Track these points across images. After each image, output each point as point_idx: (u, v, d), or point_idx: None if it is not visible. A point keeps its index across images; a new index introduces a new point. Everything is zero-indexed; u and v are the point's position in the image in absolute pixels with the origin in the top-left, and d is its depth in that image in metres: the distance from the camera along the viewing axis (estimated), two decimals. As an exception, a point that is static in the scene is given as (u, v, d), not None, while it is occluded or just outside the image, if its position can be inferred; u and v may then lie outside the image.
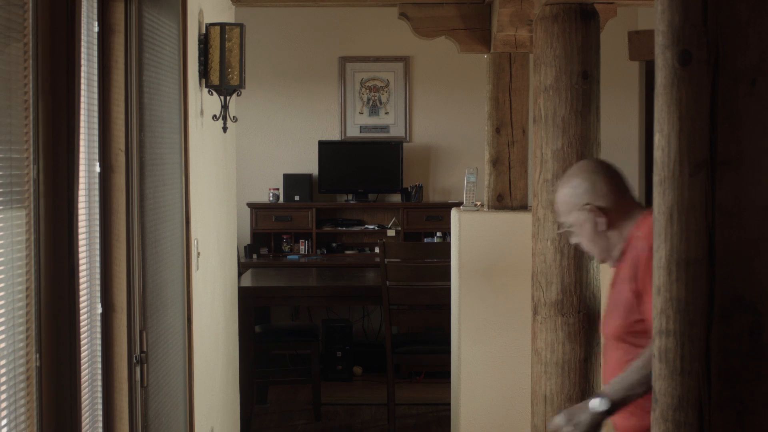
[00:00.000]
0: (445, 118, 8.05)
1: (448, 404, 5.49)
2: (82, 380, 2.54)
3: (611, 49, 7.36)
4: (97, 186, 2.81)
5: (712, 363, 1.63)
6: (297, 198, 7.73)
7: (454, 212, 5.05)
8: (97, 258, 2.81)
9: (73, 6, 2.39)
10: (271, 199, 7.79)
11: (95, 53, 2.79)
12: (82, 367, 2.53)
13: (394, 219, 7.78)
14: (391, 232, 7.71)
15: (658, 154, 1.70)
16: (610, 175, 2.85)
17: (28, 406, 2.21)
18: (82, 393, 2.56)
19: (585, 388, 3.15)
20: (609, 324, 2.82)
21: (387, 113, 8.03)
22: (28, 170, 2.20)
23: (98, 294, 2.82)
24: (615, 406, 2.68)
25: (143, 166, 2.97)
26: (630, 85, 7.97)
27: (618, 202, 2.82)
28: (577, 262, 3.12)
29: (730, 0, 1.60)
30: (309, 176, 7.82)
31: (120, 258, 2.87)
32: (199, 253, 3.98)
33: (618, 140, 7.85)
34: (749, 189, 1.61)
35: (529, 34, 4.61)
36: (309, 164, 7.92)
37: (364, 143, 7.90)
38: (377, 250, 7.19)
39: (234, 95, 4.35)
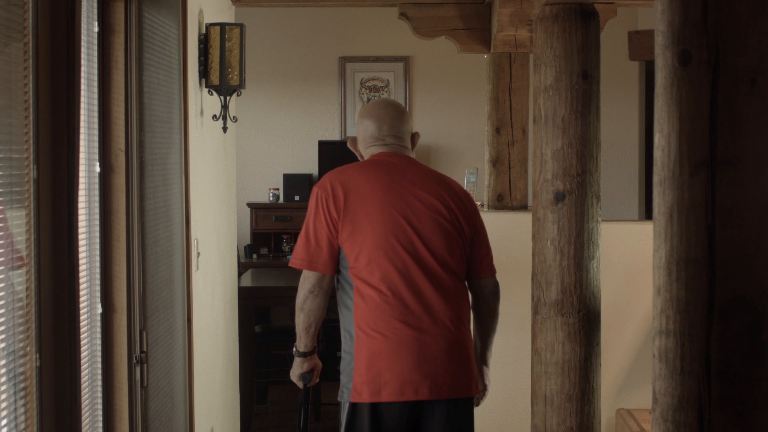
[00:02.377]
0: (445, 118, 8.05)
1: (448, 404, 5.49)
2: (82, 380, 2.54)
3: (611, 49, 7.36)
4: (97, 186, 2.81)
5: (712, 363, 1.63)
6: (297, 198, 7.73)
7: (454, 212, 5.04)
8: (97, 258, 2.81)
9: (73, 6, 2.39)
10: (271, 199, 7.79)
11: (95, 53, 2.79)
12: (82, 367, 2.53)
13: (394, 219, 7.79)
14: (391, 232, 7.71)
15: (658, 154, 1.70)
16: (372, 126, 3.35)
17: (28, 406, 2.21)
18: (82, 393, 2.56)
19: (585, 388, 3.15)
20: None
21: (387, 113, 8.03)
22: (28, 170, 2.20)
23: (98, 294, 2.82)
24: (298, 347, 3.38)
25: (143, 166, 2.97)
26: (630, 85, 7.97)
27: (363, 147, 3.39)
28: (577, 262, 3.12)
29: (730, 0, 1.60)
30: (309, 176, 7.82)
31: (120, 258, 2.87)
32: (199, 253, 3.98)
33: (618, 140, 7.84)
34: (749, 189, 1.61)
35: (529, 34, 4.61)
36: (309, 164, 7.92)
37: (364, 143, 7.90)
38: (377, 250, 7.19)
39: (234, 95, 4.36)
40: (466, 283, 3.35)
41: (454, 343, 3.21)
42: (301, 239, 3.24)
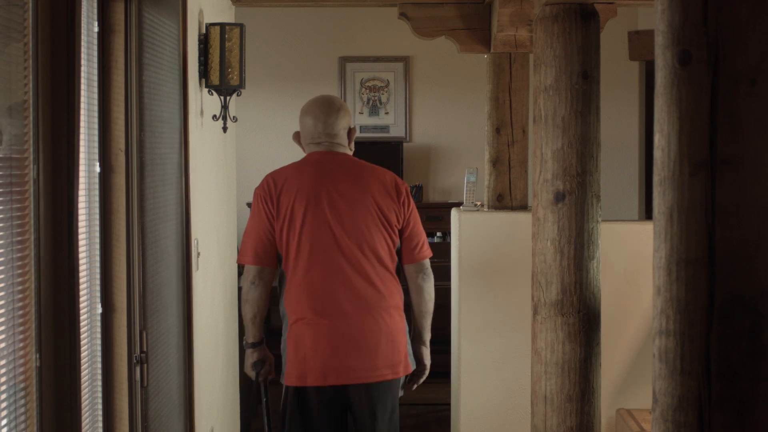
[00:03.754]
0: (445, 118, 8.05)
1: (448, 404, 5.50)
2: (82, 380, 2.54)
3: (611, 49, 7.35)
4: (97, 186, 2.81)
5: (712, 363, 1.63)
6: (297, 198, 7.72)
7: (454, 212, 5.05)
8: (97, 258, 2.81)
9: (73, 6, 2.39)
10: (271, 199, 7.78)
11: (95, 53, 2.79)
12: (82, 367, 2.53)
13: (394, 219, 7.78)
14: (391, 232, 7.70)
15: (658, 154, 1.70)
16: (309, 123, 3.66)
17: (28, 406, 2.21)
18: (82, 393, 2.56)
19: (585, 388, 3.15)
20: None
21: (387, 113, 8.03)
22: (28, 170, 2.20)
23: (98, 294, 2.82)
24: (247, 339, 3.64)
25: (143, 166, 2.97)
26: (630, 85, 7.97)
27: (304, 143, 3.71)
28: (577, 262, 3.12)
29: (730, 0, 1.60)
30: (309, 176, 7.81)
31: (120, 258, 2.87)
32: (199, 253, 3.98)
33: (618, 140, 7.84)
34: (749, 189, 1.61)
35: (529, 34, 4.61)
36: (309, 164, 7.92)
37: (364, 143, 7.89)
38: (377, 250, 7.18)
39: (234, 95, 4.35)
40: (394, 270, 3.64)
41: (377, 330, 3.51)
42: (244, 237, 3.61)
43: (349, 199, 3.56)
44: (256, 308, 3.59)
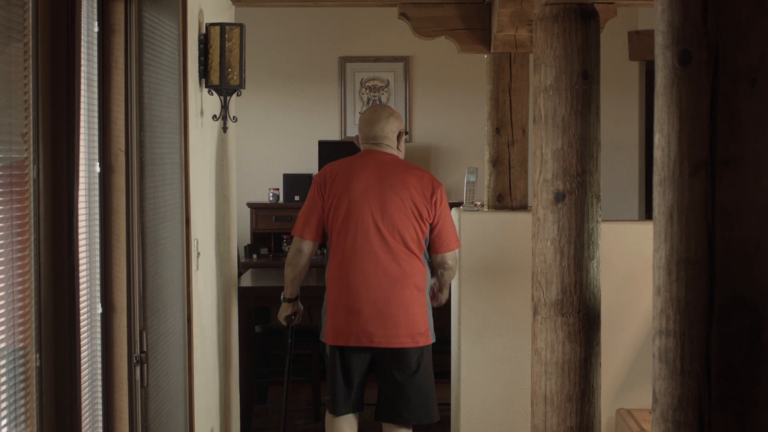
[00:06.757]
0: (445, 118, 8.04)
1: (448, 404, 5.49)
2: (82, 380, 2.54)
3: (611, 49, 7.35)
4: (97, 186, 2.81)
5: (712, 363, 1.63)
6: (297, 198, 7.72)
7: (454, 212, 5.05)
8: (97, 258, 2.81)
9: (73, 6, 2.39)
10: (271, 199, 7.78)
11: (95, 53, 2.79)
12: (82, 367, 2.53)
13: (394, 219, 7.77)
14: (391, 232, 7.70)
15: (658, 154, 1.70)
16: (365, 127, 4.38)
17: (28, 406, 2.20)
18: (82, 393, 2.56)
19: (585, 388, 3.15)
20: None
21: (387, 113, 8.02)
22: (28, 170, 2.19)
23: (98, 294, 2.82)
24: (285, 295, 4.47)
25: (143, 166, 2.97)
26: (630, 85, 7.97)
27: (360, 143, 4.42)
28: (577, 262, 3.12)
29: (730, 0, 1.60)
30: (309, 176, 7.82)
31: (120, 258, 2.87)
32: (199, 253, 3.98)
33: (618, 140, 7.84)
34: (749, 189, 1.61)
35: (529, 34, 4.61)
36: (309, 164, 7.92)
37: (364, 143, 7.89)
38: (377, 250, 7.19)
39: (234, 95, 4.35)
40: (421, 255, 4.24)
41: (398, 302, 4.16)
42: (299, 214, 4.36)
43: (388, 190, 4.22)
44: (296, 272, 4.35)
